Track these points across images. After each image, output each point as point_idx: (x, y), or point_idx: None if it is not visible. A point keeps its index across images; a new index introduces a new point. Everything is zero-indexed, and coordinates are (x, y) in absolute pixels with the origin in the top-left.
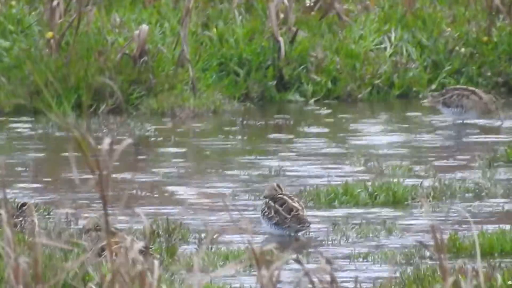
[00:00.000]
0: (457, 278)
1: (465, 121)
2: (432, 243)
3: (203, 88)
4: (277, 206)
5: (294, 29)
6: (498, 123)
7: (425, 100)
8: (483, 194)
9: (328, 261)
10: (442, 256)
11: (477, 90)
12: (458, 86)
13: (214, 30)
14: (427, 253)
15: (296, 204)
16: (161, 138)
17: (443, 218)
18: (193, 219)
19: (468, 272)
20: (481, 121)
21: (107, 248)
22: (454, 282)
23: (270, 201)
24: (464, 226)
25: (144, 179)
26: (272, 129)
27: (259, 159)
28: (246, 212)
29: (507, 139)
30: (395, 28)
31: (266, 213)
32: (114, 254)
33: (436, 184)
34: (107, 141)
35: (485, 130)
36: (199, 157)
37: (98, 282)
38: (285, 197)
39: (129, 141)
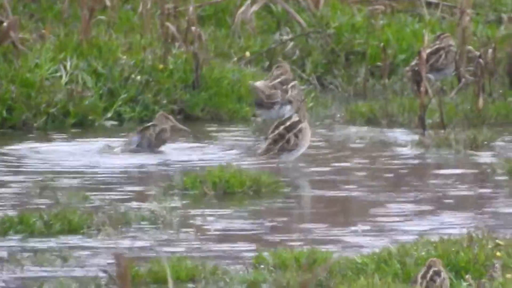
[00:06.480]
0: None
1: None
2: (111, 271)
3: None
4: None
5: None
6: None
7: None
8: (159, 222)
9: None
10: (125, 284)
11: None
12: None
13: None
14: (104, 282)
15: None
16: None
17: (119, 246)
18: None
19: None
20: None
21: None
22: None
23: None
24: (143, 254)
25: None
26: None
27: None
28: None
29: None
30: (70, 56)
31: None
32: None
33: (112, 212)
34: None
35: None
36: None
37: None
38: None
39: None
